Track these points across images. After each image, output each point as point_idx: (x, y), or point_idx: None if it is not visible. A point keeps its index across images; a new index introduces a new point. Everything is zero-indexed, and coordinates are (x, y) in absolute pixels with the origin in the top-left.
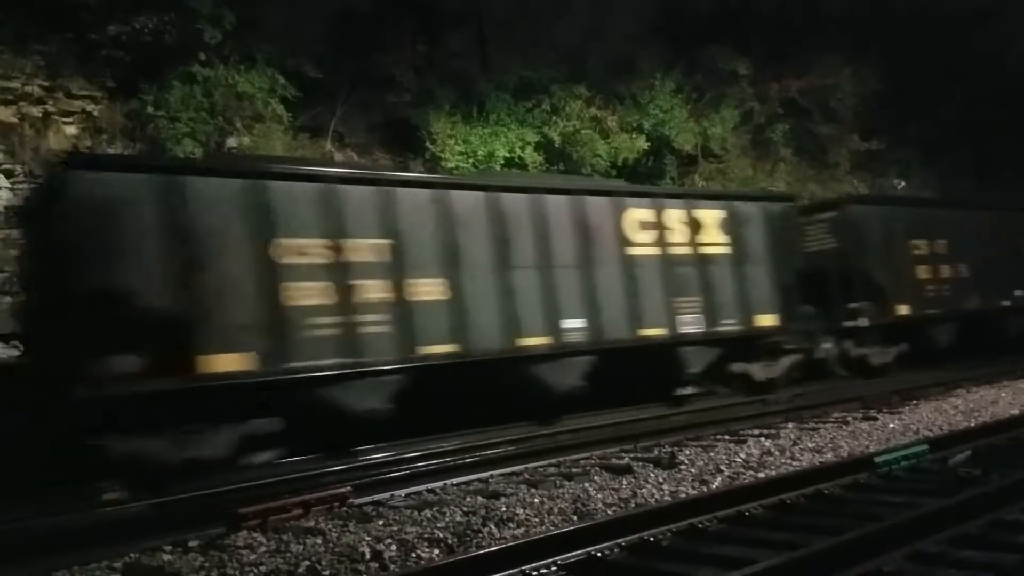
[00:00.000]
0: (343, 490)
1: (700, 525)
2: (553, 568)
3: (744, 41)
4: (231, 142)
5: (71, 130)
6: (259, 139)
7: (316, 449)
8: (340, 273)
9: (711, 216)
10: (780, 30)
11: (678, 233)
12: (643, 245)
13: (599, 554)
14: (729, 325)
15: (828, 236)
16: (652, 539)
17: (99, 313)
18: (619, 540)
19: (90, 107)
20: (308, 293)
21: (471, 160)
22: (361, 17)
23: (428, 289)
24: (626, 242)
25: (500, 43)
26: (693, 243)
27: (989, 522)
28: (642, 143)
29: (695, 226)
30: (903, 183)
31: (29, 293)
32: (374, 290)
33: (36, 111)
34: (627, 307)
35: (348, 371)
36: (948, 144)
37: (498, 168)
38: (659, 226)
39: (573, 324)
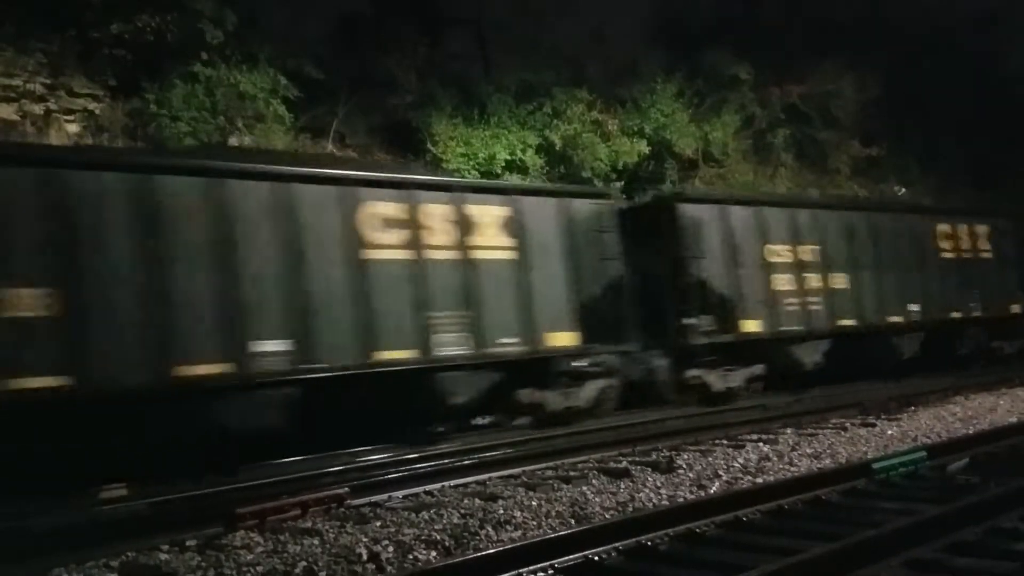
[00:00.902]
0: (341, 491)
1: (698, 530)
2: (550, 571)
3: (745, 46)
4: (232, 142)
5: (73, 128)
6: (260, 139)
7: (786, 387)
8: (797, 268)
9: (983, 229)
10: (781, 36)
11: (965, 242)
12: (946, 251)
13: (596, 558)
14: (992, 310)
15: None
16: (649, 543)
17: (693, 292)
18: (616, 544)
19: (92, 105)
20: (783, 282)
21: (472, 162)
22: (362, 18)
23: (840, 280)
24: (939, 248)
25: (501, 45)
26: (975, 249)
27: (986, 530)
28: (643, 147)
29: (973, 237)
30: (903, 189)
31: (657, 278)
32: (814, 280)
33: (38, 109)
34: (942, 295)
35: (804, 335)
36: (947, 150)
37: (499, 170)
38: (954, 236)
39: (913, 308)
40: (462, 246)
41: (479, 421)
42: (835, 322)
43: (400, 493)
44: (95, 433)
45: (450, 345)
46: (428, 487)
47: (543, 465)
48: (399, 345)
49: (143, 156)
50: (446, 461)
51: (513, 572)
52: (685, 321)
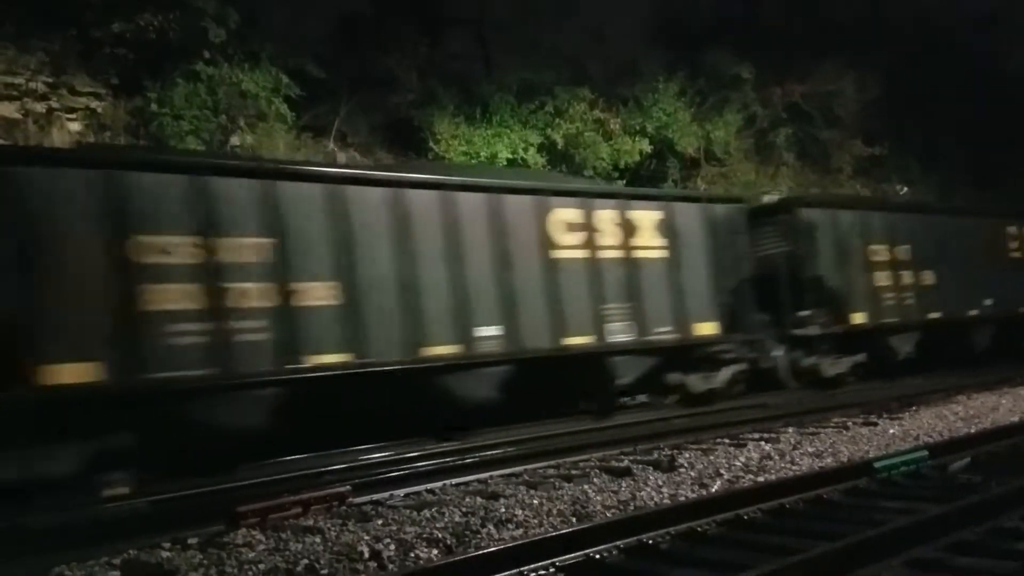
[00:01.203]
0: (342, 489)
1: (699, 529)
2: (551, 569)
3: (746, 46)
4: (234, 140)
5: (75, 126)
6: (262, 138)
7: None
8: (893, 266)
9: None
10: (781, 36)
11: None
12: (1014, 251)
13: (597, 556)
14: None
15: None
16: (651, 542)
17: (809, 287)
18: (617, 542)
19: (94, 104)
20: (883, 278)
21: (474, 161)
22: (362, 18)
23: (928, 277)
24: (1008, 249)
25: (501, 45)
26: None
27: (988, 529)
28: (645, 146)
29: None
30: (905, 189)
31: (775, 274)
32: (907, 277)
33: (40, 107)
34: (1011, 291)
35: (900, 327)
36: (948, 150)
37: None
38: (1021, 237)
39: (987, 302)
40: (626, 246)
41: (626, 401)
42: (925, 315)
43: (401, 491)
44: (365, 400)
45: (619, 333)
46: (429, 485)
47: (544, 463)
48: (581, 332)
49: (398, 173)
50: (447, 460)
51: (515, 570)
52: (801, 313)
